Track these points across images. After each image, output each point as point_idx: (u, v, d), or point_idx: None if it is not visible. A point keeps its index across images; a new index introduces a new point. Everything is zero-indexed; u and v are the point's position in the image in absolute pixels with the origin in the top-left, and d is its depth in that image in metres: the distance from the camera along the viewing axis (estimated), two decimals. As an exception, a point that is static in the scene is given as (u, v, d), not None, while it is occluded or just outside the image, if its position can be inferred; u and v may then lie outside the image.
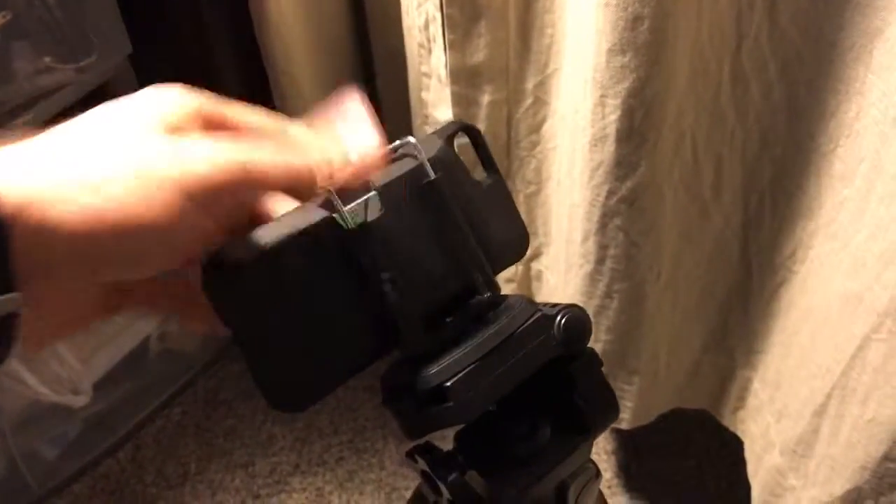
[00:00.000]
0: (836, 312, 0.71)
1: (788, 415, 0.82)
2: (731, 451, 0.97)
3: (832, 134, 0.67)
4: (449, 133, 0.41)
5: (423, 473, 0.45)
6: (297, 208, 0.36)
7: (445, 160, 0.39)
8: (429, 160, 0.38)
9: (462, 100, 0.86)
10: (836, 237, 0.70)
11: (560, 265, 0.92)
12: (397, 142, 0.39)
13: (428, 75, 0.89)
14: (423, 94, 0.91)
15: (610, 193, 0.74)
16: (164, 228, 0.31)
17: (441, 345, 0.39)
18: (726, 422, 0.97)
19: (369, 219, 0.37)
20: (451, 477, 0.44)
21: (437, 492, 0.45)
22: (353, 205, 0.37)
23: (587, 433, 0.45)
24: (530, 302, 0.43)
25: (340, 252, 0.36)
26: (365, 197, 0.37)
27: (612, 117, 0.69)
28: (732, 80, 0.69)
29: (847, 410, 0.71)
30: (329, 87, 1.00)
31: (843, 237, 0.69)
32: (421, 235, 0.39)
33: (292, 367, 0.37)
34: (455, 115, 0.87)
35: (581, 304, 0.86)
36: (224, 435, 1.28)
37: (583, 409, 0.45)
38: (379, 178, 0.37)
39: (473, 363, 0.39)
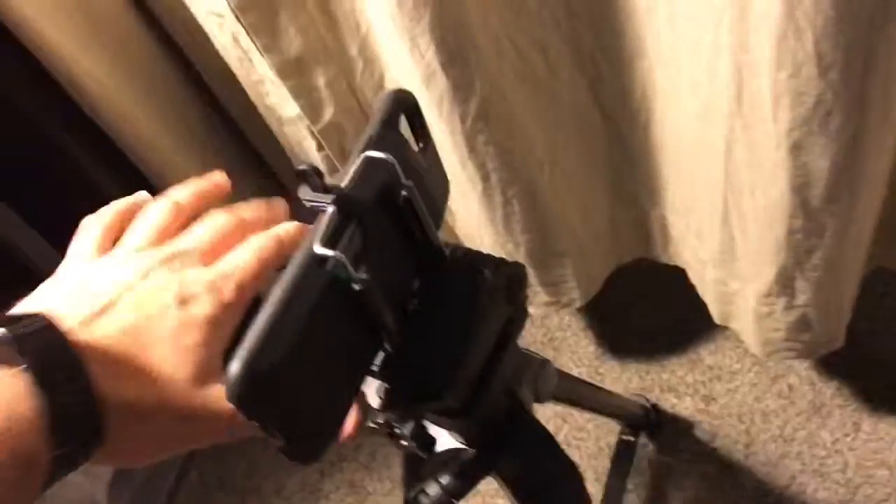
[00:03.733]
0: (698, 128, 0.76)
1: (704, 232, 0.88)
2: (681, 283, 1.04)
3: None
4: (392, 116, 0.41)
5: (388, 434, 0.50)
6: (275, 285, 0.35)
7: (403, 156, 0.40)
8: (391, 160, 0.38)
9: (301, 90, 0.88)
10: (668, 65, 0.75)
11: (458, 194, 0.97)
12: (367, 155, 0.38)
13: (261, 82, 0.91)
14: (267, 101, 0.94)
15: (463, 118, 0.78)
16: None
17: (415, 335, 0.41)
18: (664, 260, 1.03)
19: (355, 251, 0.36)
20: (411, 428, 0.49)
21: (400, 441, 0.50)
22: (343, 258, 0.35)
23: (507, 344, 0.50)
24: (470, 266, 0.45)
25: (338, 297, 0.36)
26: (348, 237, 0.36)
27: (430, 53, 0.72)
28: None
29: (744, 208, 0.77)
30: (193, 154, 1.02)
31: (673, 63, 0.74)
32: (394, 240, 0.41)
33: (317, 421, 0.37)
34: (301, 106, 0.90)
35: (487, 218, 0.91)
36: (245, 476, 1.33)
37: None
38: (359, 207, 0.37)
39: (456, 358, 0.42)
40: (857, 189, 0.70)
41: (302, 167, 0.36)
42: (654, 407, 1.15)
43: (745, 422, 1.15)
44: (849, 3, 0.55)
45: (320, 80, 0.88)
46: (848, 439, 1.09)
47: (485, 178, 0.85)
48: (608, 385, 1.24)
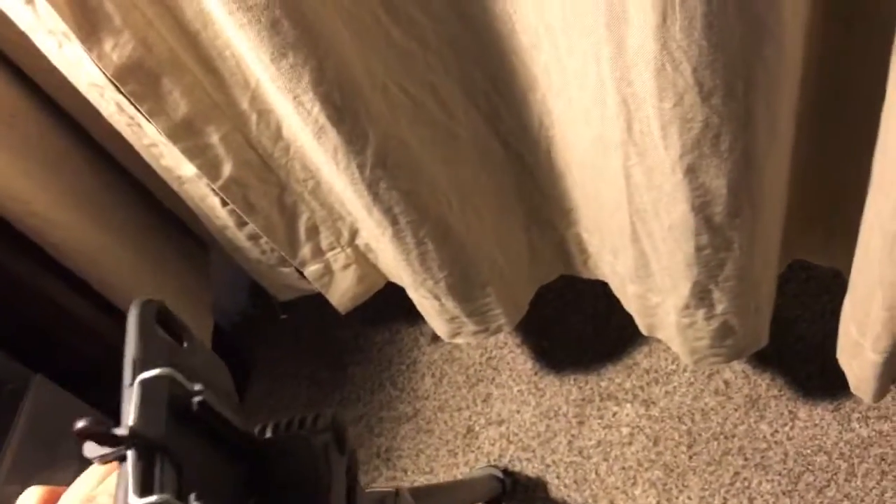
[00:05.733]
0: (596, 155, 0.76)
1: (619, 249, 0.88)
2: (609, 291, 1.04)
3: (504, 13, 0.70)
4: (146, 327, 0.38)
5: None
6: None
7: (176, 362, 0.37)
8: (168, 373, 0.36)
9: (195, 150, 0.86)
10: (560, 95, 0.74)
11: (372, 238, 0.95)
12: (141, 379, 0.35)
13: (154, 145, 0.88)
14: (163, 162, 0.91)
15: (361, 168, 0.76)
16: None
17: None
18: (584, 275, 1.03)
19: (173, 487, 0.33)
20: None
21: None
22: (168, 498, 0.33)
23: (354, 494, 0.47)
24: (291, 439, 0.43)
25: None
26: (159, 475, 0.33)
27: (316, 110, 0.70)
28: (390, 15, 0.71)
29: (651, 227, 0.77)
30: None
31: (564, 94, 0.73)
32: (204, 451, 0.38)
33: None
34: (198, 166, 0.87)
35: (403, 259, 0.88)
36: None
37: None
38: (157, 438, 0.34)
39: None
40: (758, 201, 0.70)
41: (79, 425, 0.33)
42: (507, 472, 1.16)
43: (685, 422, 1.15)
44: (720, 33, 0.54)
45: (214, 138, 0.85)
46: (786, 429, 1.11)
47: (393, 223, 0.83)
48: (549, 400, 1.24)
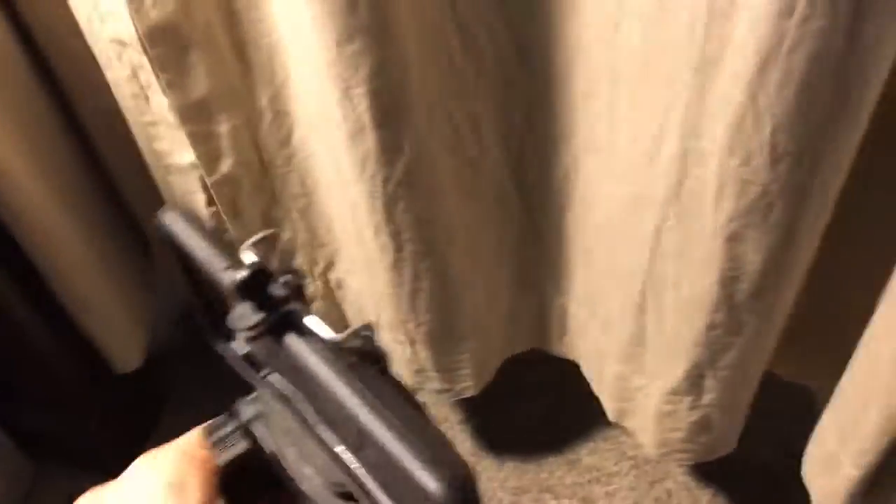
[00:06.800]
0: (623, 216, 0.75)
1: (613, 324, 0.86)
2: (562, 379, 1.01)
3: (566, 57, 0.69)
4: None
5: None
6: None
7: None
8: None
9: (200, 137, 0.81)
10: (600, 150, 0.73)
11: (359, 266, 0.91)
12: None
13: (154, 124, 0.83)
14: (156, 145, 0.85)
15: (385, 181, 0.73)
16: None
17: None
18: (556, 351, 1.01)
19: None
20: None
21: None
22: None
23: None
24: None
25: None
26: None
27: (362, 107, 0.67)
28: (458, 35, 0.70)
29: (664, 300, 0.76)
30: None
31: (606, 148, 0.73)
32: None
33: None
34: (198, 154, 0.82)
35: (393, 293, 0.85)
36: None
37: None
38: None
39: None
40: (781, 288, 0.70)
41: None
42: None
43: (623, 526, 1.12)
44: (811, 95, 0.55)
45: (223, 128, 0.81)
46: (723, 547, 1.08)
47: (398, 249, 0.79)
48: (484, 483, 1.18)
